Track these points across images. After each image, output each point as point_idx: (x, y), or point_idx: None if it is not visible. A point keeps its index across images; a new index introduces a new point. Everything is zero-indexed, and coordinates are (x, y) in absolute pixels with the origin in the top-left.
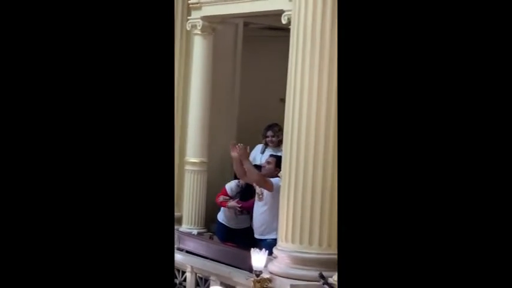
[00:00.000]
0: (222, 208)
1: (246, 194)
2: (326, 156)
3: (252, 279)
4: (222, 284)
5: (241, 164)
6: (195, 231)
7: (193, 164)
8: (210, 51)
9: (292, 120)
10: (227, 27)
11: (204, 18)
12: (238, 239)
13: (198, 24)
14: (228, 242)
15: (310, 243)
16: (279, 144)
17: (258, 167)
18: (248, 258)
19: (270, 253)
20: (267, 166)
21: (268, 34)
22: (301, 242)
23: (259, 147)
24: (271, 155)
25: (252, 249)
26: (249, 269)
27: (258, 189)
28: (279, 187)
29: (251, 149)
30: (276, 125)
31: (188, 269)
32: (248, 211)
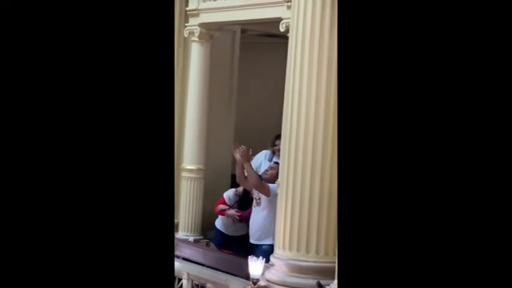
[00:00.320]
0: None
1: (244, 202)
2: (324, 164)
3: (249, 287)
4: None
5: (243, 168)
6: (191, 238)
7: (190, 171)
8: (208, 58)
9: (290, 127)
10: (225, 34)
11: (201, 25)
12: (235, 246)
13: (195, 31)
14: (225, 249)
15: (308, 251)
16: None
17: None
18: (245, 265)
19: (267, 260)
20: (270, 171)
21: (266, 41)
22: (298, 250)
23: (264, 153)
24: (275, 162)
25: (249, 256)
26: (246, 276)
27: (255, 194)
28: (276, 193)
29: (254, 153)
30: None
31: (184, 276)
32: (247, 220)
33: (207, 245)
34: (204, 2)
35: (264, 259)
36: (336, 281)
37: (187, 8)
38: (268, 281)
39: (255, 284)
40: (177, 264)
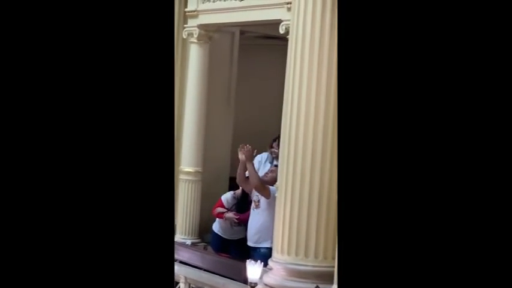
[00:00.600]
0: (217, 219)
1: (242, 205)
2: (323, 167)
3: None
4: None
5: (245, 170)
6: (189, 242)
7: (188, 173)
8: (206, 60)
9: (289, 130)
10: (223, 36)
11: (200, 26)
12: (233, 250)
13: (194, 32)
14: (222, 253)
15: (306, 255)
16: None
17: None
18: (243, 269)
19: (265, 264)
20: (270, 174)
21: (265, 43)
22: (297, 254)
23: (262, 156)
24: (275, 165)
25: (247, 260)
26: (244, 280)
27: (255, 197)
28: (275, 196)
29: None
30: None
31: (182, 280)
32: (245, 223)
33: (205, 248)
34: (203, 3)
35: (262, 263)
36: (335, 286)
37: (186, 9)
38: (266, 285)
39: None
40: (175, 267)
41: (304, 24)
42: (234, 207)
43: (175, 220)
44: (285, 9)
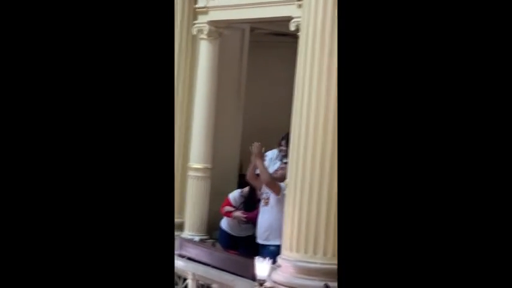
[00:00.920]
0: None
1: (250, 204)
2: (333, 164)
3: None
4: None
5: (255, 167)
6: (197, 238)
7: (197, 170)
8: (216, 56)
9: (299, 127)
10: (234, 33)
11: (210, 22)
12: (241, 247)
13: (204, 28)
14: (231, 250)
15: (315, 252)
16: None
17: None
18: (251, 266)
19: (273, 261)
20: (280, 171)
21: (275, 40)
22: (305, 252)
23: (272, 152)
24: (285, 162)
25: (256, 257)
26: (252, 277)
27: (264, 194)
28: (284, 194)
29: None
30: None
31: (190, 276)
32: (253, 221)
33: (213, 245)
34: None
35: (271, 260)
36: None
37: (196, 6)
38: (274, 282)
39: (261, 285)
40: (183, 264)
41: (315, 21)
42: (241, 205)
43: (184, 217)
44: (295, 6)
